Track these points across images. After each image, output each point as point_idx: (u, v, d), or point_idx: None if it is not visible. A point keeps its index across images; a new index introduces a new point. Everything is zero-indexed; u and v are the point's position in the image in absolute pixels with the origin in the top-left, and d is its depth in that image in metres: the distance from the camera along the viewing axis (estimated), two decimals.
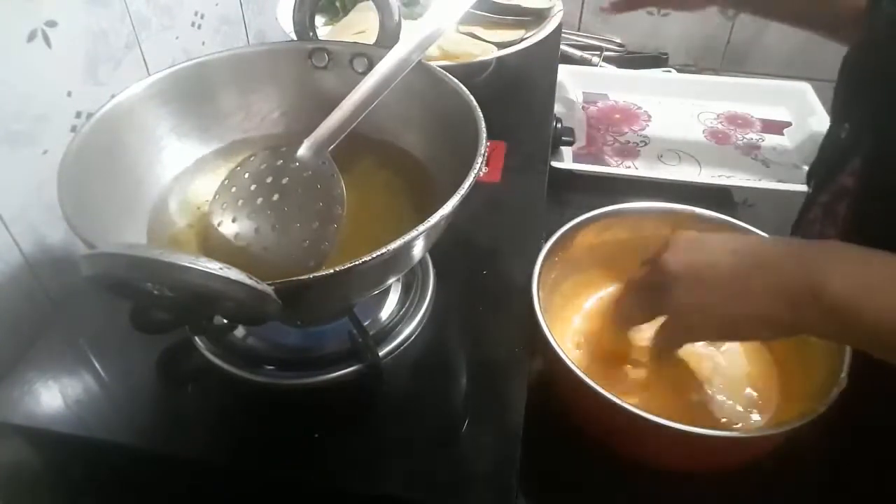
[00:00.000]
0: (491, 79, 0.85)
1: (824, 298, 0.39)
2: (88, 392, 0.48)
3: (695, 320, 0.45)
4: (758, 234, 0.56)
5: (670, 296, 0.46)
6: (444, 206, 0.38)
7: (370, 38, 0.54)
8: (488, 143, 0.43)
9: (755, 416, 0.52)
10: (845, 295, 0.39)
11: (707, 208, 0.61)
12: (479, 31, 0.88)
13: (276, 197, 0.47)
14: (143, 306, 0.44)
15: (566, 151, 0.92)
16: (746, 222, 0.59)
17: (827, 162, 0.62)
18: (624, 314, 0.54)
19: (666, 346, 0.50)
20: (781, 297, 0.41)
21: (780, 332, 0.44)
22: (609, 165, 0.94)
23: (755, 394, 0.54)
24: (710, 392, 0.54)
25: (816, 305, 0.40)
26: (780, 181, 0.91)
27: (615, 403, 0.44)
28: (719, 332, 0.47)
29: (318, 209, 0.45)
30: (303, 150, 0.48)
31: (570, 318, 0.60)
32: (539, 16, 0.88)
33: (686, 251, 0.47)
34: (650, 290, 0.49)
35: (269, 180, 0.48)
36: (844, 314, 0.39)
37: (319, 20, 0.91)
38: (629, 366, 0.56)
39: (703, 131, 1.03)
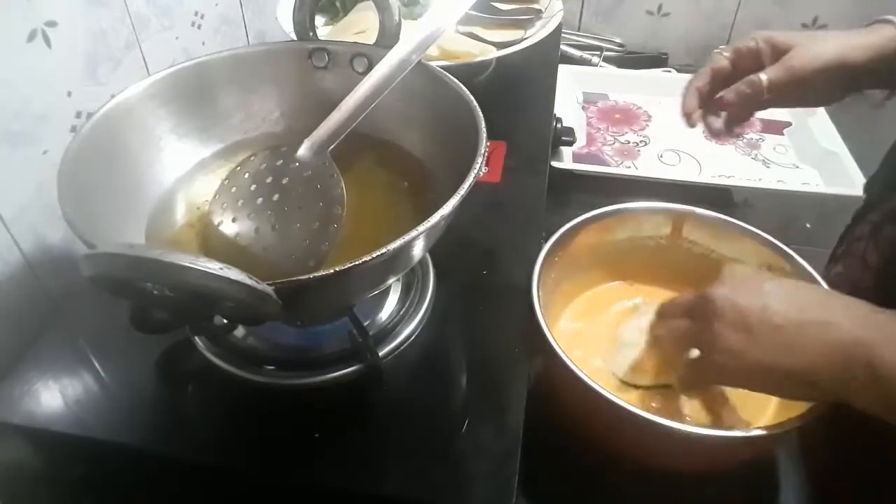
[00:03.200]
0: (491, 79, 0.85)
1: (878, 368, 0.37)
2: (88, 392, 0.48)
3: (730, 364, 0.42)
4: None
5: (710, 332, 0.43)
6: (444, 206, 0.38)
7: (370, 38, 0.54)
8: (488, 143, 0.43)
9: (755, 417, 0.52)
10: None
11: (707, 208, 0.61)
12: (479, 31, 0.88)
13: (276, 197, 0.47)
14: (143, 306, 0.44)
15: (566, 151, 0.92)
16: (746, 222, 0.59)
17: (886, 177, 0.60)
18: (658, 337, 0.51)
19: (693, 383, 0.49)
20: (833, 356, 0.39)
21: (818, 394, 0.41)
22: (609, 165, 0.94)
23: (756, 394, 0.54)
24: (710, 392, 0.54)
25: (869, 372, 0.37)
26: (780, 181, 0.91)
27: (615, 403, 0.44)
28: (753, 382, 0.43)
29: (318, 209, 0.45)
30: (303, 150, 0.48)
31: (571, 318, 0.60)
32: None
33: (737, 289, 0.43)
34: (690, 321, 0.46)
35: (269, 180, 0.48)
36: (890, 384, 0.37)
37: (319, 20, 0.91)
38: (630, 366, 0.56)
39: (704, 131, 1.02)
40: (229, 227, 0.47)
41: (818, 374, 0.39)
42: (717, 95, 0.62)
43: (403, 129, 0.54)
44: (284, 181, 0.47)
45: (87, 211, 0.40)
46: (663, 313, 0.51)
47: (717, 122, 0.63)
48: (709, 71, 0.63)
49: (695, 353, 0.47)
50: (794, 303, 0.41)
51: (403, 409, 0.47)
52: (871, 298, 0.40)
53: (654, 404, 0.53)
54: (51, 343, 0.51)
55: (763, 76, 0.58)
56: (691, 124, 0.63)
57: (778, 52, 0.59)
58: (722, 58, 0.63)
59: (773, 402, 0.53)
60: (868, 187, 0.65)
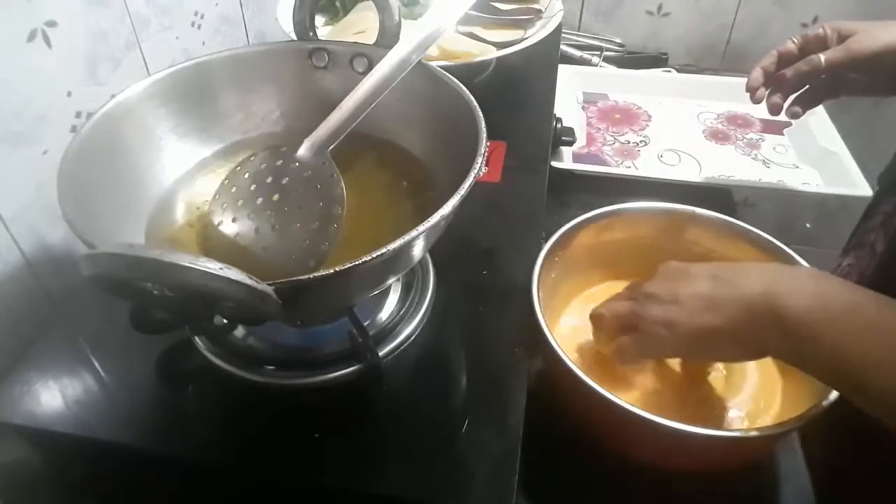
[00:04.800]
0: (491, 79, 0.85)
1: (785, 318, 0.40)
2: (88, 392, 0.48)
3: (665, 335, 0.46)
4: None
5: (647, 311, 0.47)
6: (444, 206, 0.38)
7: (370, 38, 0.54)
8: (488, 143, 0.43)
9: (755, 417, 0.52)
10: (804, 317, 0.39)
11: (707, 208, 0.61)
12: (479, 31, 0.88)
13: (276, 197, 0.47)
14: (143, 306, 0.44)
15: (566, 151, 0.92)
16: (746, 222, 0.59)
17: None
18: (599, 323, 0.53)
19: (627, 355, 0.50)
20: (744, 312, 0.42)
21: (746, 351, 0.44)
22: (609, 165, 0.94)
23: (756, 394, 0.54)
24: (710, 392, 0.54)
25: (777, 324, 0.40)
26: (780, 181, 0.91)
27: (615, 403, 0.44)
28: (687, 347, 0.46)
29: (318, 209, 0.45)
30: (303, 150, 0.48)
31: (570, 318, 0.60)
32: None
33: (668, 277, 0.48)
34: (629, 304, 0.50)
35: (269, 180, 0.48)
36: (803, 335, 0.39)
37: (319, 20, 0.91)
38: (630, 366, 0.56)
39: (703, 131, 1.03)
40: (229, 227, 0.47)
41: (736, 330, 0.43)
42: (779, 73, 0.67)
43: (403, 129, 0.54)
44: (284, 181, 0.47)
45: (87, 211, 0.40)
46: (603, 307, 0.53)
47: (777, 100, 0.68)
48: (775, 53, 0.68)
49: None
50: (716, 275, 0.45)
51: (403, 409, 0.47)
52: (876, 288, 0.40)
53: (655, 404, 0.53)
54: (51, 343, 0.51)
55: (822, 56, 0.62)
56: (755, 100, 0.68)
57: (843, 39, 0.63)
58: (790, 42, 0.67)
59: (774, 401, 0.53)
60: (881, 180, 0.66)
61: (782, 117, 0.69)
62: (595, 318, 0.53)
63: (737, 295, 0.43)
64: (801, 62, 0.64)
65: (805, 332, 0.39)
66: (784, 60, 0.67)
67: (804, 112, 0.68)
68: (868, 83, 0.64)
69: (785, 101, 0.68)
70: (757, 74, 0.68)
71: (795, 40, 0.66)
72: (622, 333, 0.50)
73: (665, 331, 0.46)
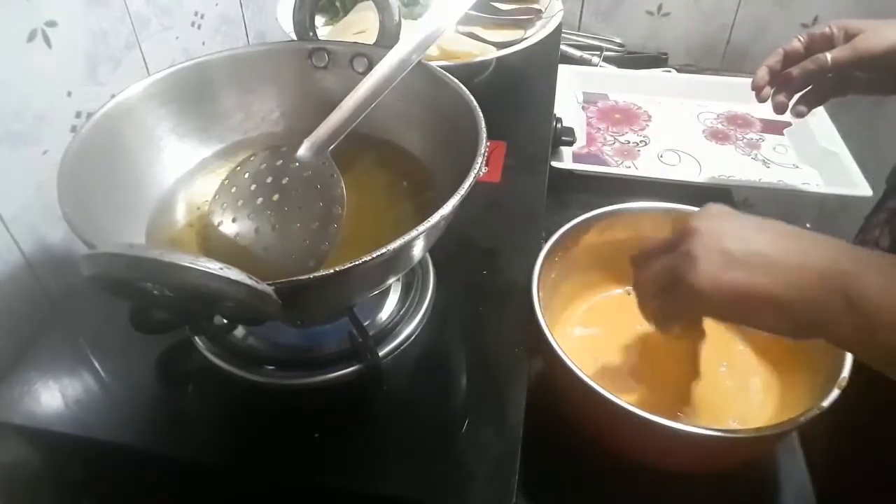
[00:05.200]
0: (491, 79, 0.85)
1: (855, 300, 0.36)
2: (88, 392, 0.48)
3: (706, 287, 0.40)
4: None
5: (688, 253, 0.41)
6: (444, 206, 0.38)
7: (370, 38, 0.54)
8: (488, 143, 0.43)
9: (755, 417, 0.52)
10: (872, 293, 0.35)
11: None
12: (479, 31, 0.88)
13: (276, 197, 0.47)
14: (143, 306, 0.44)
15: (566, 151, 0.92)
16: None
17: None
18: (638, 283, 0.48)
19: (669, 315, 0.46)
20: (810, 281, 0.37)
21: (792, 325, 0.39)
22: (609, 165, 0.94)
23: (756, 394, 0.54)
24: (710, 392, 0.54)
25: (847, 305, 0.36)
26: (780, 181, 0.91)
27: (615, 403, 0.44)
28: (729, 308, 0.41)
29: (318, 209, 0.45)
30: (303, 150, 0.48)
31: (571, 318, 0.60)
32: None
33: (715, 217, 0.43)
34: (672, 255, 0.44)
35: (269, 180, 0.48)
36: (865, 313, 0.36)
37: (319, 20, 0.91)
38: (629, 367, 0.56)
39: (703, 131, 1.03)
40: (229, 227, 0.47)
41: (794, 301, 0.38)
42: (786, 71, 0.66)
43: (403, 129, 0.54)
44: (284, 181, 0.47)
45: (87, 211, 0.40)
46: (640, 258, 0.49)
47: (782, 99, 0.67)
48: (781, 51, 0.67)
49: None
50: (772, 231, 0.41)
51: (403, 409, 0.47)
52: None
53: (655, 405, 0.53)
54: (51, 343, 0.51)
55: (828, 54, 0.62)
56: (761, 99, 0.68)
57: (850, 37, 0.63)
58: (796, 41, 0.66)
59: (773, 402, 0.53)
60: (890, 178, 0.66)
61: (784, 117, 0.70)
62: (637, 285, 0.48)
63: (802, 264, 0.38)
64: (808, 61, 0.64)
65: (876, 314, 0.35)
66: (790, 59, 0.67)
67: (809, 111, 0.68)
68: (874, 82, 0.64)
69: (790, 99, 0.68)
70: (763, 73, 0.68)
71: (802, 39, 0.66)
72: (659, 286, 0.45)
73: (708, 282, 0.40)
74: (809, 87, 0.67)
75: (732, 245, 0.40)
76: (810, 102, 0.68)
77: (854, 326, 0.36)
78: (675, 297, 0.43)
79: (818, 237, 0.40)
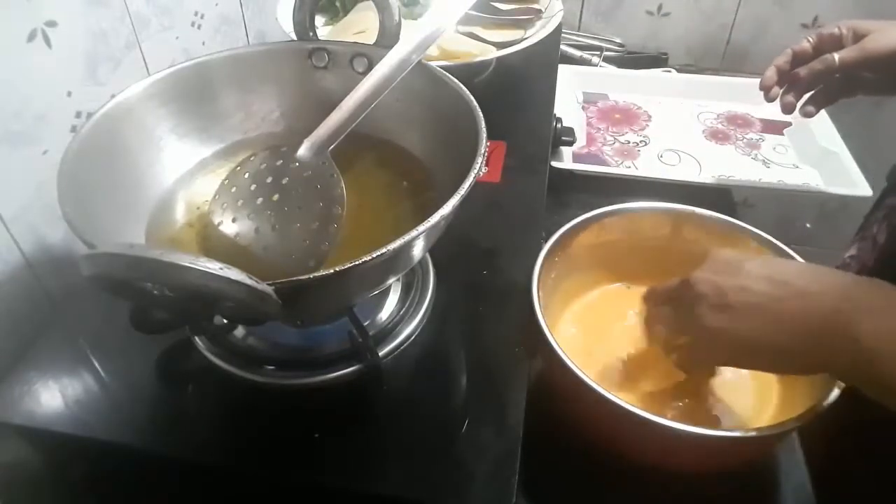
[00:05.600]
0: (491, 79, 0.85)
1: (859, 337, 0.37)
2: (88, 392, 0.48)
3: (717, 343, 0.43)
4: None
5: (693, 314, 0.44)
6: (444, 206, 0.38)
7: (370, 38, 0.54)
8: (488, 143, 0.43)
9: (755, 417, 0.52)
10: (881, 338, 0.36)
11: (707, 208, 0.61)
12: (479, 31, 0.88)
13: (276, 197, 0.47)
14: (143, 306, 0.44)
15: (566, 151, 0.92)
16: (746, 222, 0.59)
17: None
18: (649, 328, 0.52)
19: (689, 365, 0.49)
20: (813, 328, 0.39)
21: (805, 367, 0.42)
22: (609, 165, 0.94)
23: (755, 394, 0.54)
24: (710, 392, 0.54)
25: (850, 346, 0.37)
26: (780, 181, 0.91)
27: (615, 403, 0.44)
28: (742, 359, 0.44)
29: (318, 209, 0.45)
30: (303, 150, 0.48)
31: (571, 318, 0.60)
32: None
33: (718, 272, 0.44)
34: (677, 307, 0.48)
35: (269, 180, 0.48)
36: (876, 357, 0.36)
37: (319, 20, 0.91)
38: (630, 367, 0.56)
39: (703, 131, 1.03)
40: (229, 227, 0.47)
41: (796, 347, 0.40)
42: (794, 71, 0.66)
43: (403, 129, 0.54)
44: (284, 181, 0.47)
45: (87, 211, 0.40)
46: (648, 300, 0.52)
47: (790, 99, 0.67)
48: (790, 52, 0.67)
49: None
50: (773, 279, 0.42)
51: (403, 409, 0.47)
52: (874, 276, 0.40)
53: (655, 405, 0.53)
54: (51, 343, 0.51)
55: (836, 55, 0.62)
56: (769, 99, 0.68)
57: (858, 38, 0.63)
58: (805, 41, 0.66)
59: (773, 402, 0.53)
60: (890, 175, 0.66)
61: (784, 116, 0.69)
62: (647, 327, 0.52)
63: (801, 308, 0.40)
64: (816, 61, 0.64)
65: (877, 360, 0.36)
66: (798, 59, 0.67)
67: (818, 111, 0.68)
68: (882, 82, 0.64)
69: (798, 99, 0.68)
70: (771, 73, 0.68)
71: (811, 39, 0.66)
72: (672, 338, 0.49)
73: (717, 340, 0.43)
74: (819, 88, 0.67)
75: (733, 299, 0.42)
76: (819, 103, 0.68)
77: (860, 368, 0.38)
78: (688, 350, 0.47)
79: (818, 274, 0.41)
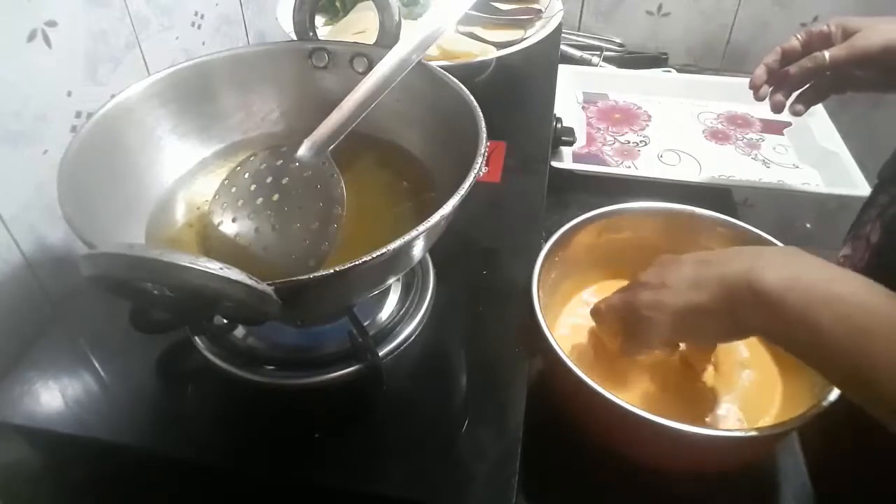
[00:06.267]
0: (491, 79, 0.85)
1: (760, 293, 0.40)
2: (88, 392, 0.48)
3: (655, 317, 0.47)
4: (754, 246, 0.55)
5: (637, 296, 0.48)
6: (444, 206, 0.38)
7: (370, 38, 0.54)
8: (488, 143, 0.43)
9: (754, 417, 0.52)
10: (781, 292, 0.39)
11: (707, 208, 0.61)
12: (479, 31, 0.88)
13: (276, 197, 0.47)
14: (143, 306, 0.44)
15: (566, 151, 0.92)
16: (746, 222, 0.59)
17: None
18: (598, 316, 0.54)
19: (632, 346, 0.51)
20: (724, 288, 0.43)
21: (729, 329, 0.45)
22: (609, 165, 0.94)
23: (755, 394, 0.54)
24: (710, 392, 0.54)
25: (755, 299, 0.41)
26: (780, 181, 0.91)
27: (615, 403, 0.44)
28: (674, 327, 0.47)
29: (318, 209, 0.45)
30: (303, 150, 0.48)
31: (570, 318, 0.60)
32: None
33: (660, 265, 0.49)
34: (621, 296, 0.51)
35: (269, 180, 0.48)
36: (780, 311, 0.40)
37: (319, 20, 0.91)
38: (630, 367, 0.56)
39: (703, 131, 1.03)
40: (229, 227, 0.47)
41: (718, 306, 0.43)
42: (783, 69, 0.66)
43: (403, 129, 0.54)
44: (284, 181, 0.47)
45: (87, 211, 0.40)
46: (603, 305, 0.54)
47: (780, 98, 0.68)
48: (779, 50, 0.67)
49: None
50: (701, 258, 0.47)
51: (403, 409, 0.47)
52: (869, 275, 0.40)
53: (655, 405, 0.53)
54: (51, 343, 0.51)
55: (826, 53, 0.62)
56: (759, 98, 0.68)
57: (847, 35, 0.62)
58: (794, 39, 0.66)
59: (774, 402, 0.53)
60: (881, 173, 0.66)
61: (784, 116, 0.69)
62: (594, 312, 0.54)
63: (718, 273, 0.44)
64: (806, 59, 0.64)
65: (780, 308, 0.39)
66: (788, 57, 0.66)
67: (807, 109, 0.68)
68: (873, 79, 0.64)
69: (788, 98, 0.68)
70: (760, 72, 0.68)
71: (800, 37, 0.66)
72: (620, 325, 0.51)
73: (654, 313, 0.47)
74: (807, 86, 0.67)
75: (670, 279, 0.47)
76: (808, 101, 0.68)
77: (772, 324, 0.41)
78: (636, 330, 0.49)
79: (736, 250, 0.47)
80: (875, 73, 0.63)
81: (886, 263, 0.54)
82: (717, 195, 0.87)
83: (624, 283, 0.62)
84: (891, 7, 1.10)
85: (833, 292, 0.38)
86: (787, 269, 0.41)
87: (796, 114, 0.68)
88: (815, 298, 0.39)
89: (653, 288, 0.48)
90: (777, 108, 0.68)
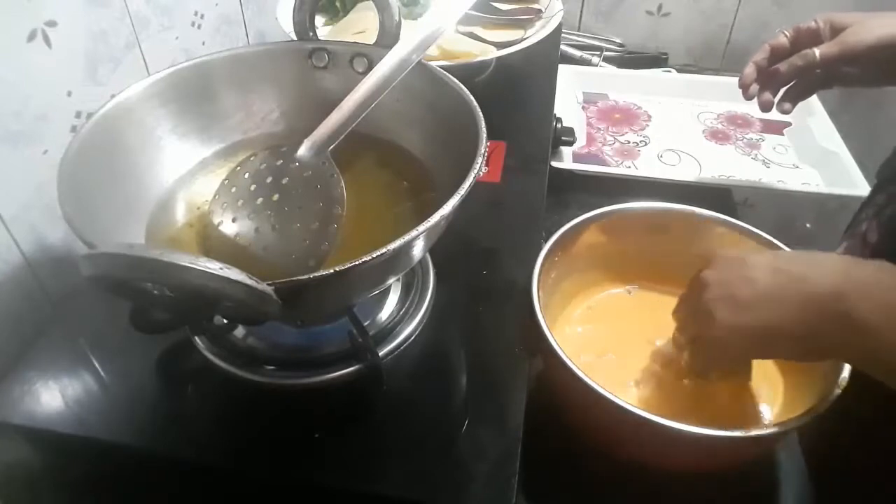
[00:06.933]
0: (491, 79, 0.85)
1: (857, 320, 0.38)
2: (88, 392, 0.48)
3: (725, 336, 0.44)
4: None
5: (703, 310, 0.45)
6: (444, 206, 0.38)
7: (370, 38, 0.54)
8: (488, 143, 0.43)
9: (755, 417, 0.52)
10: (874, 312, 0.37)
11: (707, 208, 0.61)
12: (479, 31, 0.88)
13: (276, 197, 0.47)
14: (143, 306, 0.44)
15: (566, 151, 0.92)
16: (746, 222, 0.59)
17: (894, 164, 0.62)
18: (675, 337, 0.52)
19: (701, 365, 0.49)
20: (811, 312, 0.40)
21: (810, 353, 0.42)
22: (609, 165, 0.94)
23: (756, 394, 0.54)
24: (710, 392, 0.54)
25: (849, 327, 0.38)
26: (780, 181, 0.91)
27: (615, 403, 0.44)
28: (751, 349, 0.45)
29: (318, 209, 0.45)
30: (303, 150, 0.48)
31: (571, 318, 0.60)
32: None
33: (724, 269, 0.46)
34: (688, 308, 0.49)
35: (269, 180, 0.48)
36: (868, 336, 0.37)
37: (319, 20, 0.91)
38: (630, 367, 0.56)
39: (703, 131, 1.03)
40: (229, 227, 0.47)
41: (801, 330, 0.41)
42: (773, 67, 0.65)
43: (403, 129, 0.54)
44: (284, 181, 0.47)
45: (87, 211, 0.40)
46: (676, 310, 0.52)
47: (768, 96, 0.67)
48: (767, 47, 0.66)
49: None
50: (775, 267, 0.43)
51: (403, 409, 0.47)
52: None
53: (655, 405, 0.53)
54: (51, 343, 0.51)
55: (816, 50, 0.61)
56: (748, 97, 0.68)
57: (836, 31, 0.62)
58: (782, 35, 0.66)
59: (774, 402, 0.53)
60: (879, 173, 0.66)
61: (784, 116, 0.69)
62: (676, 317, 0.52)
63: (802, 293, 0.40)
64: (796, 57, 0.63)
65: (878, 342, 0.37)
66: (777, 54, 0.66)
67: (794, 106, 0.67)
68: (861, 75, 0.63)
69: (776, 96, 0.67)
70: (750, 70, 0.67)
71: (787, 34, 0.65)
72: (687, 340, 0.49)
73: (727, 333, 0.44)
74: (793, 83, 0.66)
75: (740, 292, 0.43)
76: (795, 98, 0.67)
77: (859, 348, 0.39)
78: (702, 348, 0.47)
79: (817, 259, 0.43)
80: (864, 68, 0.62)
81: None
82: (717, 195, 0.87)
83: (624, 283, 0.63)
84: (890, 5, 1.10)
85: None
86: (883, 294, 0.38)
87: (784, 112, 0.67)
88: None
89: (722, 302, 0.44)
90: (765, 108, 0.67)
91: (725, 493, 0.50)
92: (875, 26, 0.59)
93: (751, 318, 0.42)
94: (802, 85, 0.66)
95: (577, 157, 0.94)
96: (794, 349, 0.43)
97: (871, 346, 0.38)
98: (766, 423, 0.51)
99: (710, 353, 0.47)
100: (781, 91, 0.67)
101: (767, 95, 0.67)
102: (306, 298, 0.39)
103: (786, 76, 0.65)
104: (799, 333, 0.41)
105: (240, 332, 0.51)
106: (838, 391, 0.45)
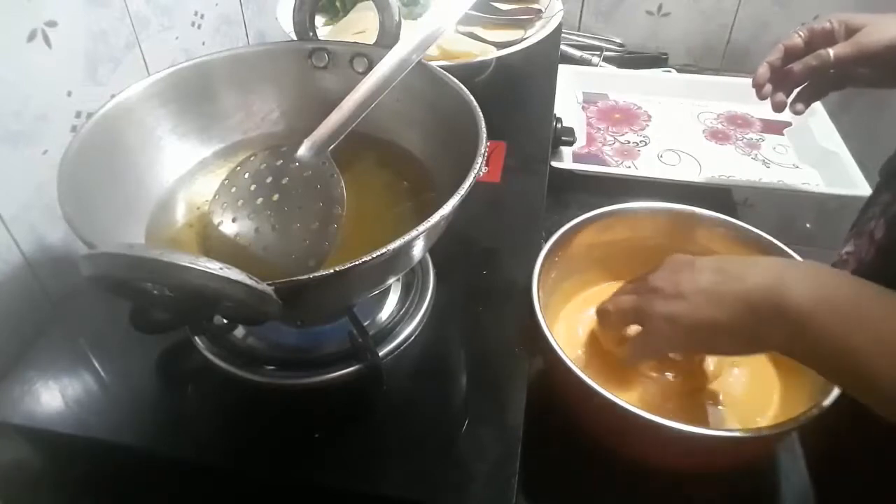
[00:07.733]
0: (491, 79, 0.85)
1: (787, 312, 0.39)
2: (88, 392, 0.48)
3: (668, 329, 0.45)
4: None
5: (650, 305, 0.47)
6: (444, 206, 0.38)
7: (370, 38, 0.54)
8: (488, 143, 0.43)
9: (754, 417, 0.52)
10: (808, 311, 0.39)
11: (707, 208, 0.61)
12: (479, 31, 0.88)
13: (276, 197, 0.47)
14: (143, 306, 0.44)
15: (566, 151, 0.92)
16: (746, 222, 0.59)
17: None
18: (605, 319, 0.53)
19: (639, 354, 0.50)
20: (746, 306, 0.42)
21: (746, 344, 0.44)
22: (609, 165, 0.94)
23: (755, 394, 0.54)
24: (710, 392, 0.54)
25: (779, 318, 0.40)
26: (780, 181, 0.91)
27: (615, 403, 0.44)
28: (688, 342, 0.46)
29: (318, 209, 0.45)
30: (303, 150, 0.48)
31: (570, 318, 0.60)
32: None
33: (672, 270, 0.48)
34: (634, 298, 0.50)
35: (269, 180, 0.48)
36: (806, 330, 0.39)
37: (319, 20, 0.91)
38: (630, 367, 0.56)
39: (703, 131, 1.03)
40: (229, 227, 0.47)
41: (737, 324, 0.42)
42: (786, 67, 0.65)
43: (403, 129, 0.54)
44: (284, 181, 0.47)
45: (87, 211, 0.40)
46: (608, 300, 0.53)
47: (781, 97, 0.67)
48: (781, 48, 0.66)
49: (633, 329, 0.50)
50: (719, 267, 0.45)
51: (403, 409, 0.47)
52: (875, 273, 0.40)
53: (655, 405, 0.53)
54: (51, 343, 0.51)
55: (830, 50, 0.61)
56: (762, 96, 0.68)
57: (850, 32, 0.62)
58: (796, 36, 0.65)
59: (773, 402, 0.53)
60: (882, 171, 0.66)
61: (784, 116, 0.69)
62: (600, 313, 0.53)
63: (740, 289, 0.42)
64: (810, 57, 0.63)
65: (808, 327, 0.38)
66: (790, 55, 0.66)
67: (807, 108, 0.67)
68: (875, 76, 0.63)
69: (789, 96, 0.67)
70: (763, 70, 0.67)
71: (802, 34, 0.65)
72: (627, 329, 0.50)
73: (668, 326, 0.45)
74: (806, 84, 0.66)
75: (685, 288, 0.45)
76: (808, 98, 0.67)
77: (793, 341, 0.40)
78: (646, 339, 0.48)
79: (756, 262, 0.45)
80: (878, 70, 0.62)
81: (893, 262, 0.54)
82: (717, 195, 0.87)
83: (624, 283, 0.63)
84: (891, 7, 1.10)
85: (865, 314, 0.38)
86: (814, 285, 0.40)
87: (797, 113, 0.68)
88: (846, 318, 0.38)
89: (666, 297, 0.46)
90: (779, 108, 0.67)
91: (725, 493, 0.50)
92: (889, 27, 0.59)
93: (689, 312, 0.44)
94: (816, 86, 0.66)
95: (577, 157, 0.94)
96: (732, 344, 0.44)
97: (809, 336, 0.39)
98: (766, 423, 0.51)
99: (648, 343, 0.48)
100: (794, 92, 0.67)
101: (780, 96, 0.67)
102: (306, 298, 0.39)
103: (800, 76, 0.65)
104: (736, 328, 0.42)
105: (240, 332, 0.51)
106: (838, 391, 0.45)
